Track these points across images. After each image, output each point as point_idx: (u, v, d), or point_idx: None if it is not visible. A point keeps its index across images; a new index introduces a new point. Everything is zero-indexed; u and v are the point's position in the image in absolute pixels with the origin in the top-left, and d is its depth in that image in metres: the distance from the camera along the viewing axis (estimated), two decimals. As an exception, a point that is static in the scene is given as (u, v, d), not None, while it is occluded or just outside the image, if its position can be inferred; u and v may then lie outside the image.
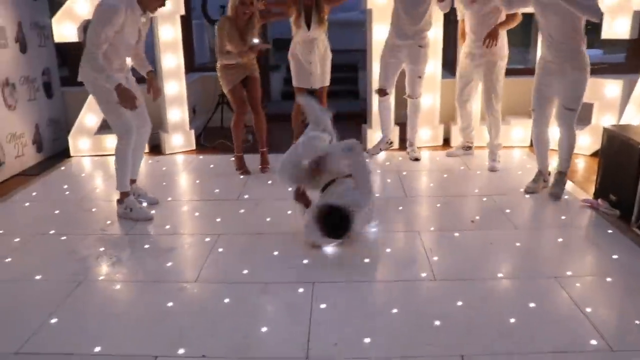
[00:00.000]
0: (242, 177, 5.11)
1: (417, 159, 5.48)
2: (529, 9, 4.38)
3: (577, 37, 4.08)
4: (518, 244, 3.67)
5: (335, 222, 3.39)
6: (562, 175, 4.42)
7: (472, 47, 5.04)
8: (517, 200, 4.42)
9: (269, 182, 4.96)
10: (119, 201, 4.18)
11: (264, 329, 2.76)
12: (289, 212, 4.10)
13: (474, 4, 4.88)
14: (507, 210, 4.19)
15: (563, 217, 4.09)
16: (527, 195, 4.48)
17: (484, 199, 4.43)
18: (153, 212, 4.24)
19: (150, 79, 4.12)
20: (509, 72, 5.76)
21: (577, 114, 4.25)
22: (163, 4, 3.94)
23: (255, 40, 4.93)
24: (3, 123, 5.17)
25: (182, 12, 5.72)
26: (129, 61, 4.19)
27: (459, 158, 5.51)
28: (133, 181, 4.37)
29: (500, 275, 3.27)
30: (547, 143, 4.51)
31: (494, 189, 4.66)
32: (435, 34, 5.46)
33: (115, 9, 3.65)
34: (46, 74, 5.94)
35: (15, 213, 4.39)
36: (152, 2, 3.87)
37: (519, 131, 5.80)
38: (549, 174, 4.57)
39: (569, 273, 3.24)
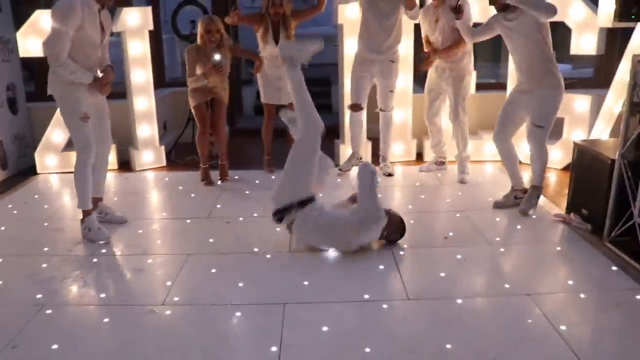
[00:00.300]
0: (212, 190, 5.09)
1: (390, 175, 5.45)
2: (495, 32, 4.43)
3: (545, 57, 4.14)
4: (491, 261, 3.66)
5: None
6: (535, 189, 4.40)
7: (440, 62, 5.08)
8: (490, 215, 4.40)
9: (240, 200, 4.88)
10: (82, 221, 4.06)
11: (234, 353, 2.69)
12: (260, 230, 4.04)
13: (438, 23, 4.97)
14: (481, 226, 4.17)
15: (535, 233, 4.09)
16: (500, 210, 4.47)
17: (457, 215, 4.41)
18: (108, 236, 4.03)
19: (106, 70, 4.06)
20: (480, 87, 5.80)
21: (548, 133, 4.27)
22: None
23: (217, 57, 4.86)
24: (-35, 140, 5.02)
25: (151, 27, 5.65)
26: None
27: (432, 173, 5.49)
28: (99, 199, 4.28)
29: (474, 293, 3.24)
30: (514, 158, 4.52)
31: (467, 204, 4.64)
32: (406, 48, 5.47)
33: (70, 7, 3.64)
34: (11, 89, 5.78)
35: (-23, 234, 4.24)
36: None
37: (491, 146, 5.79)
38: (524, 191, 4.52)
39: (542, 290, 3.23)
